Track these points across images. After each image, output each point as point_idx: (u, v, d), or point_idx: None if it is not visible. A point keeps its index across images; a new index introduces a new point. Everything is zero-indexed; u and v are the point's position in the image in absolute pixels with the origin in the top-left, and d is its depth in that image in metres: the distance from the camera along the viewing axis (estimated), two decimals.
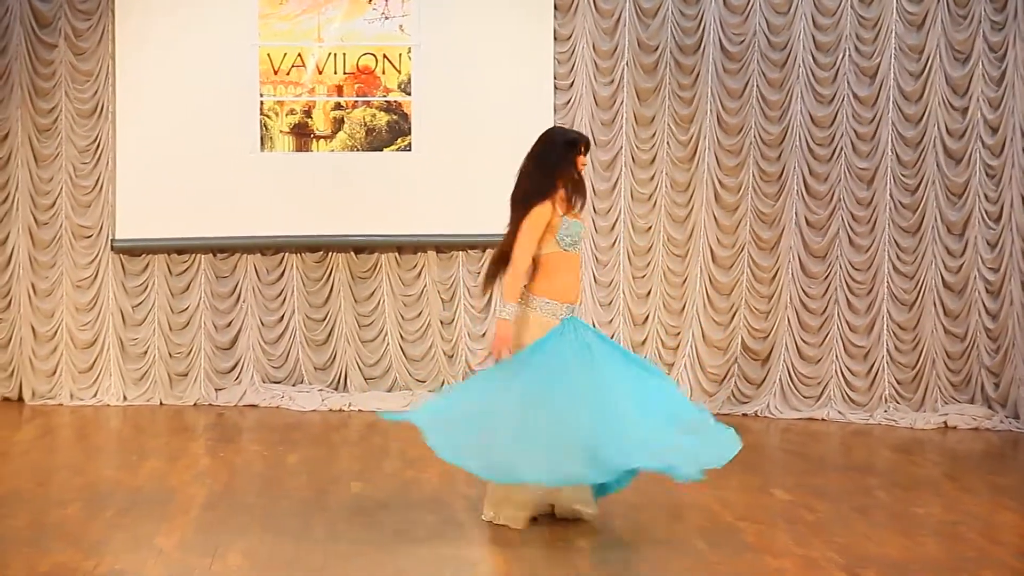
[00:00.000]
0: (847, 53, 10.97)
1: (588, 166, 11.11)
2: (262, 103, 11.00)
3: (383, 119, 11.10)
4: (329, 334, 11.26)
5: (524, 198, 7.03)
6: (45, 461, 9.03)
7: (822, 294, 11.09)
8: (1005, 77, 10.85)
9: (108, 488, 7.97)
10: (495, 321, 7.02)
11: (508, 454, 6.72)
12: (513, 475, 6.78)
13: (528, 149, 7.16)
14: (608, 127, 11.16)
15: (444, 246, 11.22)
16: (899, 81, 10.97)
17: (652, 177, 11.18)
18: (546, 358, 6.91)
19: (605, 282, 11.23)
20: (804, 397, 11.05)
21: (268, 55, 10.99)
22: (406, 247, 11.23)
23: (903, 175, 11.00)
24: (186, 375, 11.12)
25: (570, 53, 11.14)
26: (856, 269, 11.04)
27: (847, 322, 11.06)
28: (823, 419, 10.90)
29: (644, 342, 11.21)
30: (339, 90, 11.07)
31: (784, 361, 11.08)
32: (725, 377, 11.15)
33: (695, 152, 11.13)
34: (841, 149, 11.02)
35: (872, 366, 11.04)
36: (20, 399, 11.02)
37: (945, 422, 10.76)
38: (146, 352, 11.09)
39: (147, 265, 11.11)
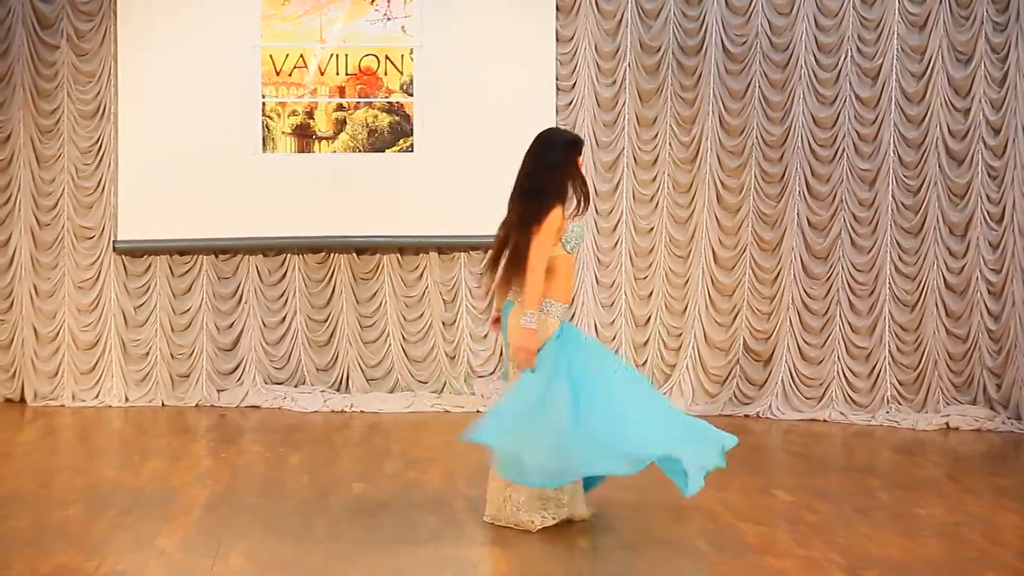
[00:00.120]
0: (849, 54, 10.97)
1: (590, 167, 11.16)
2: (264, 104, 11.01)
3: (385, 120, 11.11)
4: (331, 335, 11.26)
5: (537, 201, 7.02)
6: (47, 462, 9.03)
7: (824, 295, 11.09)
8: (1007, 78, 10.85)
9: (110, 489, 7.98)
10: (520, 330, 6.95)
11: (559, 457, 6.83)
12: (562, 476, 6.94)
13: (527, 150, 7.18)
14: (610, 128, 11.16)
15: (446, 247, 11.22)
16: (901, 82, 10.96)
17: (654, 178, 11.18)
18: (563, 361, 7.02)
19: (607, 283, 11.22)
20: (806, 398, 11.05)
21: (270, 56, 11.00)
22: (408, 248, 11.24)
23: (905, 176, 11.00)
24: (188, 376, 11.12)
25: (572, 54, 11.14)
26: (858, 270, 11.04)
27: (849, 323, 11.05)
28: (825, 420, 10.90)
29: (646, 343, 11.20)
30: (341, 91, 11.07)
31: (786, 362, 11.08)
32: (727, 378, 11.14)
33: (697, 153, 11.13)
34: (843, 150, 11.01)
35: (874, 367, 11.03)
36: (22, 400, 11.02)
37: (947, 423, 10.76)
38: (148, 353, 11.10)
39: (149, 266, 11.11)
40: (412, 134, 11.09)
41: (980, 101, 10.89)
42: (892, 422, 10.80)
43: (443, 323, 11.27)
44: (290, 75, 11.02)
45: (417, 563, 6.59)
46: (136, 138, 10.92)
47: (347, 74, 11.06)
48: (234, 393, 11.09)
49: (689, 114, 11.11)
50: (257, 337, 11.19)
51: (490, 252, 7.28)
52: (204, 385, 11.10)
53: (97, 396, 11.03)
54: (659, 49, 11.09)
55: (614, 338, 11.19)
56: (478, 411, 10.22)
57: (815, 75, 11.00)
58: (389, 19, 11.05)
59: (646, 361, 11.18)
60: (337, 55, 11.05)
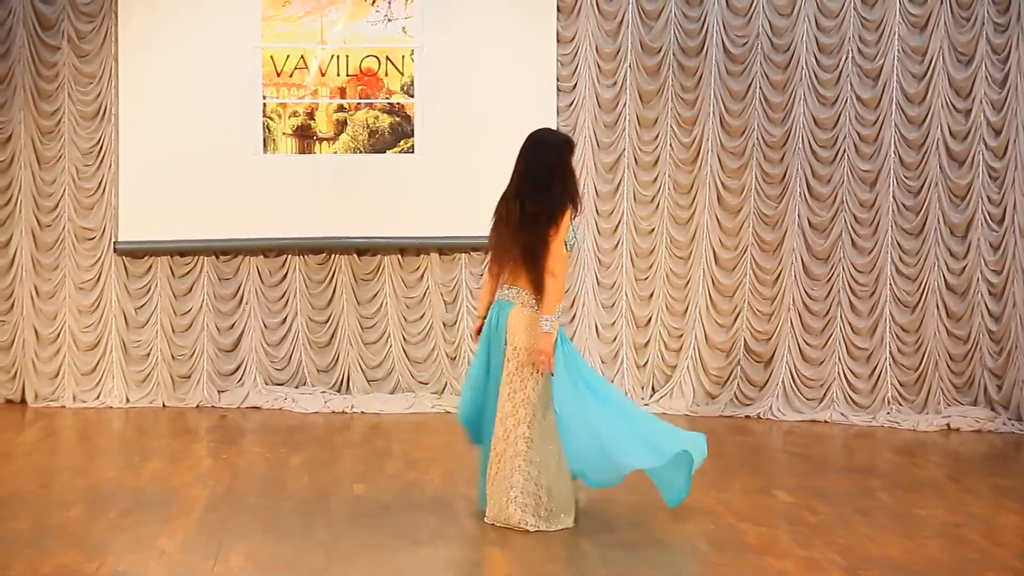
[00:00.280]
0: (850, 55, 10.97)
1: (591, 168, 11.16)
2: (265, 105, 11.01)
3: (386, 121, 11.11)
4: (332, 336, 11.26)
5: (547, 202, 7.06)
6: (48, 463, 9.03)
7: (825, 296, 11.09)
8: (1008, 79, 10.85)
9: (110, 490, 7.98)
10: (540, 335, 7.03)
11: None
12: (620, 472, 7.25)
13: (523, 150, 7.24)
14: (611, 129, 11.17)
15: (447, 248, 11.22)
16: (902, 83, 10.96)
17: (655, 179, 11.18)
18: (577, 362, 7.32)
19: (608, 284, 11.22)
20: (807, 399, 11.04)
21: (271, 57, 11.00)
22: (409, 249, 11.24)
23: (906, 177, 11.00)
24: (189, 377, 11.12)
25: (573, 55, 11.14)
26: (859, 271, 11.04)
27: (850, 324, 11.05)
28: (826, 421, 10.89)
29: (647, 344, 11.20)
30: (342, 92, 11.07)
31: (787, 363, 11.08)
32: (728, 379, 11.14)
33: (698, 154, 11.13)
34: (844, 151, 11.01)
35: (875, 368, 11.03)
36: (23, 401, 11.01)
37: (948, 424, 10.76)
38: (149, 354, 11.09)
39: (150, 267, 11.11)
40: (413, 135, 11.09)
41: (981, 102, 10.89)
42: (893, 423, 10.80)
43: (444, 324, 11.27)
44: (291, 76, 11.03)
45: (417, 564, 6.59)
46: (137, 139, 10.92)
47: (348, 75, 11.06)
48: (235, 394, 11.09)
49: (690, 115, 11.12)
50: (258, 338, 11.19)
51: (492, 253, 7.27)
52: (205, 386, 11.10)
53: (98, 397, 11.03)
54: (660, 50, 11.09)
55: (615, 339, 11.20)
56: None
57: (816, 76, 11.01)
58: (390, 20, 11.05)
59: (647, 362, 11.18)
60: (338, 56, 11.05)
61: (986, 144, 10.90)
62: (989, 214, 10.92)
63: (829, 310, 11.09)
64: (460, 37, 11.05)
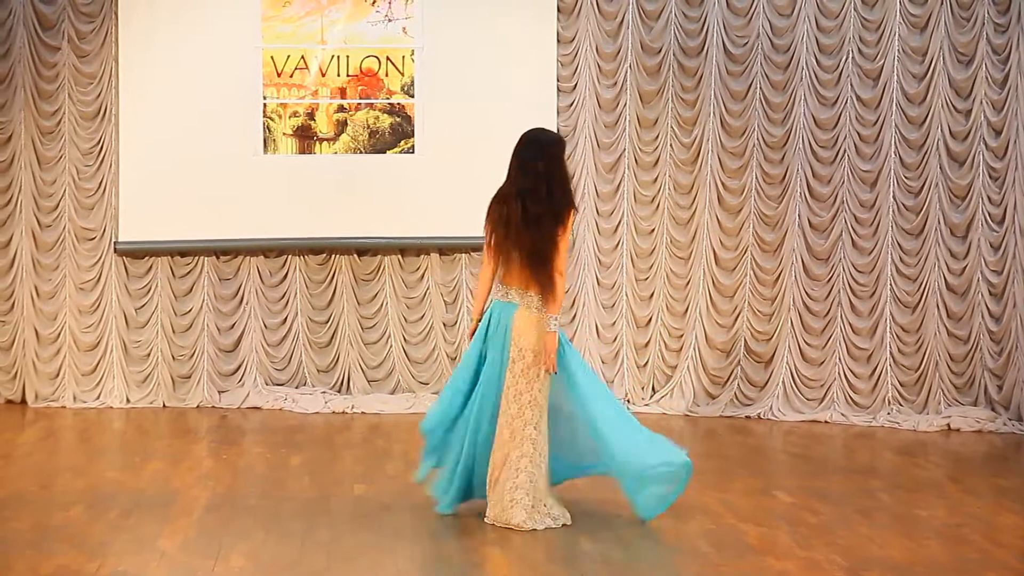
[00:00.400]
0: (850, 55, 10.97)
1: (591, 168, 11.16)
2: (265, 105, 11.01)
3: (386, 121, 11.11)
4: (332, 336, 11.26)
5: (549, 203, 7.09)
6: (48, 463, 9.03)
7: (825, 296, 11.09)
8: (1008, 79, 10.85)
9: (111, 490, 7.98)
10: (545, 335, 7.10)
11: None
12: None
13: (518, 150, 7.27)
14: (611, 129, 11.17)
15: (447, 248, 11.22)
16: (902, 83, 10.97)
17: (655, 179, 11.18)
18: (576, 365, 7.38)
19: (608, 284, 11.22)
20: (807, 399, 11.05)
21: (271, 57, 11.00)
22: (409, 249, 11.24)
23: (906, 177, 11.00)
24: (189, 377, 11.12)
25: (573, 55, 11.14)
26: (859, 271, 11.04)
27: (850, 324, 11.05)
28: (826, 421, 10.90)
29: (647, 344, 11.20)
30: (342, 92, 11.07)
31: (787, 363, 11.08)
32: (728, 379, 11.14)
33: (698, 154, 11.13)
34: (844, 151, 11.02)
35: (875, 368, 11.03)
36: (23, 401, 11.01)
37: (948, 424, 10.76)
38: (149, 354, 11.09)
39: (150, 267, 11.11)
40: (413, 135, 11.09)
41: (981, 102, 10.89)
42: (893, 423, 10.80)
43: (444, 324, 11.27)
44: (291, 76, 11.02)
45: (418, 564, 6.59)
46: (137, 139, 10.92)
47: (348, 75, 11.06)
48: (235, 394, 11.09)
49: (690, 115, 11.11)
50: (258, 338, 11.19)
51: (493, 254, 7.27)
52: (205, 386, 11.10)
53: (98, 397, 11.02)
54: (660, 50, 11.09)
55: (615, 339, 11.20)
56: None
57: (816, 76, 11.01)
58: (390, 20, 11.05)
59: (647, 362, 11.18)
60: (338, 56, 11.05)
61: (986, 144, 10.90)
62: (989, 214, 10.92)
63: (829, 310, 11.09)
64: (460, 37, 11.05)
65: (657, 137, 11.15)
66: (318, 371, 11.24)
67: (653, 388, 11.19)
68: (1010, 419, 10.75)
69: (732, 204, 11.13)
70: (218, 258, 11.16)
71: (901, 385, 11.00)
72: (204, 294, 11.14)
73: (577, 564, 6.63)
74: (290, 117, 11.04)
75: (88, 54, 10.92)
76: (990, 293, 10.94)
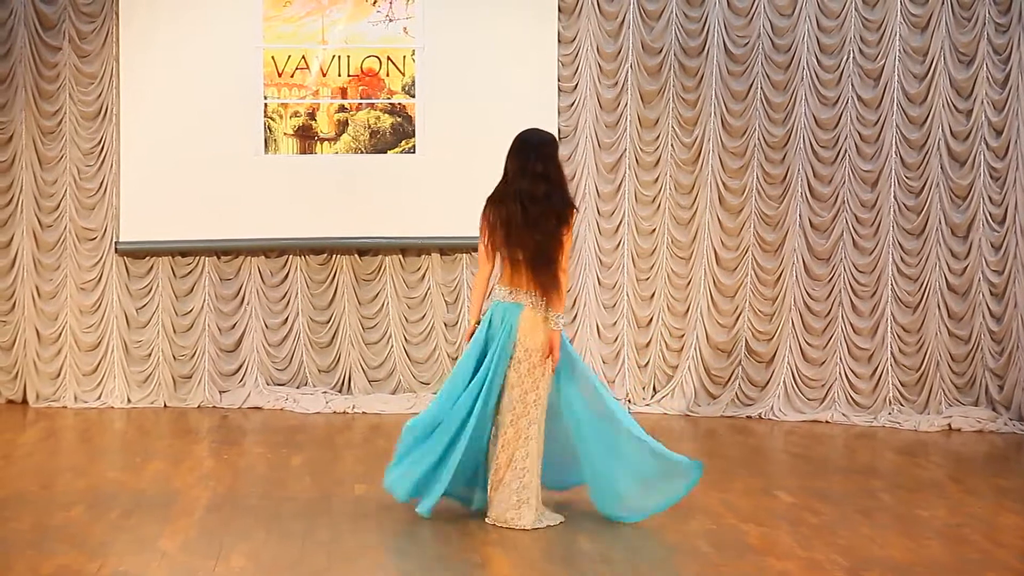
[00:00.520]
0: (851, 55, 10.97)
1: (592, 168, 11.17)
2: (266, 105, 11.01)
3: (387, 121, 11.11)
4: (333, 336, 11.26)
5: (549, 205, 7.12)
6: (49, 463, 9.03)
7: (826, 296, 11.09)
8: (1009, 79, 10.85)
9: (112, 490, 7.98)
10: (550, 332, 7.13)
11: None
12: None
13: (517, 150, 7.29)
14: (612, 129, 11.16)
15: (448, 248, 11.23)
16: (903, 83, 10.96)
17: (656, 179, 11.18)
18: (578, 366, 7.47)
19: (609, 284, 11.22)
20: (808, 399, 11.04)
21: (272, 57, 11.00)
22: (410, 249, 11.24)
23: (907, 177, 11.00)
24: (190, 377, 11.12)
25: (574, 55, 11.14)
26: (860, 271, 11.04)
27: (851, 324, 11.05)
28: (827, 421, 10.90)
29: (648, 344, 11.20)
30: (343, 92, 11.07)
31: (788, 363, 11.08)
32: (729, 379, 11.14)
33: (699, 154, 11.13)
34: (845, 151, 11.01)
35: (876, 368, 11.03)
36: (24, 401, 11.01)
37: (949, 424, 10.76)
38: (150, 354, 11.09)
39: (151, 267, 11.11)
40: (414, 135, 11.09)
41: (982, 102, 10.89)
42: (894, 423, 10.80)
43: (445, 324, 11.27)
44: (292, 76, 11.03)
45: (419, 564, 6.59)
46: (138, 139, 10.92)
47: (349, 75, 11.06)
48: (236, 394, 11.09)
49: (691, 115, 11.11)
50: (259, 338, 11.19)
51: (494, 254, 7.28)
52: (206, 386, 11.10)
53: (99, 397, 11.03)
54: (661, 50, 11.09)
55: (616, 339, 11.20)
56: None
57: (817, 76, 11.01)
58: (391, 20, 11.05)
59: (648, 362, 11.18)
60: (339, 56, 11.05)
61: (987, 144, 10.90)
62: (990, 214, 10.92)
63: (830, 310, 11.09)
64: (461, 37, 11.05)
65: (658, 137, 11.15)
66: (319, 371, 11.24)
67: (654, 388, 11.19)
68: (1011, 419, 10.75)
69: (733, 204, 11.13)
70: (219, 258, 11.16)
71: (902, 385, 11.00)
72: (205, 294, 11.14)
73: (577, 564, 6.63)
74: (291, 117, 11.05)
75: (89, 54, 10.92)
76: (991, 293, 10.94)
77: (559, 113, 11.09)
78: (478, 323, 7.35)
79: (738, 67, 11.05)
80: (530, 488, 7.16)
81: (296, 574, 6.33)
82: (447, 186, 10.99)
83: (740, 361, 11.13)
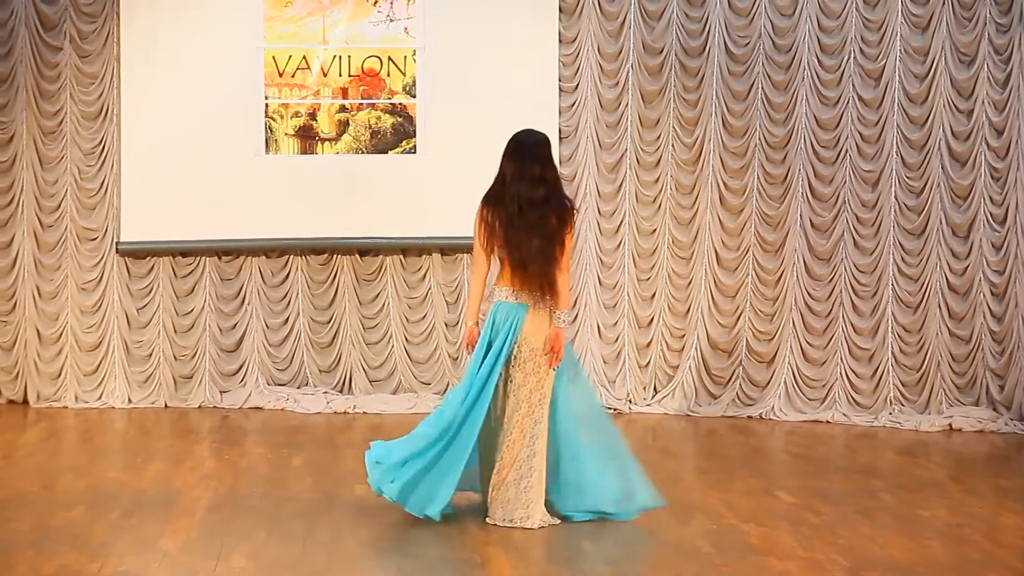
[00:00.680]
0: (852, 55, 10.97)
1: (593, 168, 11.17)
2: (267, 105, 11.01)
3: (388, 122, 11.11)
4: (334, 336, 11.26)
5: (546, 206, 7.14)
6: (50, 464, 9.03)
7: (827, 296, 11.09)
8: (1010, 80, 10.85)
9: (113, 490, 7.98)
10: (555, 329, 7.17)
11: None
12: None
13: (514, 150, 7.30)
14: (613, 129, 11.16)
15: (449, 248, 11.22)
16: (904, 84, 10.96)
17: (657, 179, 11.18)
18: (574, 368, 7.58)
19: (610, 284, 11.22)
20: (809, 399, 11.04)
21: (273, 57, 11.00)
22: (411, 249, 11.24)
23: (908, 177, 10.99)
24: (191, 377, 11.12)
25: (575, 55, 11.14)
26: (861, 271, 11.04)
27: (852, 324, 11.05)
28: (828, 421, 10.90)
29: (649, 344, 11.20)
30: (344, 92, 11.07)
31: (789, 363, 11.08)
32: (730, 379, 11.14)
33: (700, 154, 11.13)
34: (846, 151, 11.01)
35: (877, 368, 11.03)
36: (25, 402, 11.02)
37: (950, 424, 10.76)
38: (151, 355, 11.10)
39: (152, 267, 11.11)
40: (415, 135, 11.10)
41: (983, 102, 10.89)
42: (895, 423, 10.80)
43: (446, 324, 11.28)
44: (293, 76, 11.03)
45: (420, 564, 6.59)
46: (139, 140, 10.92)
47: (350, 75, 11.06)
48: (237, 394, 11.09)
49: (692, 115, 11.11)
50: (260, 338, 11.19)
51: (489, 254, 7.29)
52: (207, 386, 11.10)
53: (100, 398, 11.03)
54: (662, 50, 11.09)
55: (617, 339, 11.20)
56: None
57: (818, 76, 11.00)
58: (392, 20, 11.05)
59: (649, 362, 11.18)
60: (340, 56, 11.05)
61: (988, 144, 10.90)
62: (991, 214, 10.92)
63: (831, 310, 11.09)
64: (462, 37, 11.05)
65: (659, 137, 11.15)
66: (320, 371, 11.24)
67: (655, 388, 11.19)
68: (1012, 419, 10.75)
69: (734, 204, 11.13)
70: (220, 258, 11.17)
71: (903, 385, 11.00)
72: (206, 294, 11.15)
73: (578, 564, 6.63)
74: (292, 117, 11.05)
75: (90, 54, 10.92)
76: (992, 293, 10.94)
77: (560, 113, 11.09)
78: (476, 324, 7.36)
79: (739, 67, 11.05)
80: (537, 488, 7.16)
81: (297, 574, 6.33)
82: (448, 186, 10.98)
83: (741, 361, 11.13)
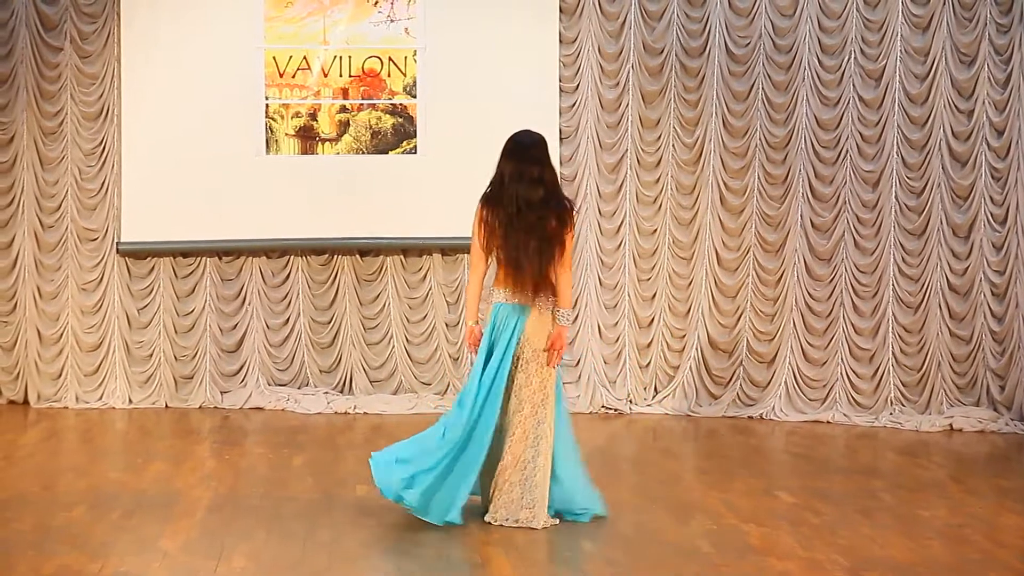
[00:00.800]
0: (852, 56, 10.97)
1: (593, 168, 11.17)
2: (267, 106, 11.01)
3: (388, 122, 11.11)
4: (334, 337, 11.26)
5: (545, 207, 7.17)
6: (50, 464, 9.04)
7: (827, 297, 11.09)
8: (1011, 80, 10.85)
9: (113, 491, 7.99)
10: (558, 327, 7.22)
11: None
12: None
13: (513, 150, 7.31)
14: (613, 130, 11.17)
15: (449, 249, 11.22)
16: (904, 84, 10.96)
17: (657, 180, 11.18)
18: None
19: (611, 285, 11.22)
20: (809, 400, 11.04)
21: (273, 58, 11.00)
22: (411, 250, 11.24)
23: (908, 178, 11.00)
24: (191, 378, 11.12)
25: (575, 56, 11.14)
26: (861, 272, 11.04)
27: (852, 325, 11.05)
28: (828, 422, 10.90)
29: (649, 345, 11.20)
30: (344, 93, 11.07)
31: (789, 364, 11.08)
32: (730, 380, 11.14)
33: (700, 155, 11.13)
34: (846, 152, 11.01)
35: (877, 369, 11.03)
36: (26, 402, 11.02)
37: (950, 425, 10.76)
38: (151, 355, 11.10)
39: (152, 268, 11.11)
40: (415, 136, 11.10)
41: (983, 103, 10.89)
42: (895, 424, 10.80)
43: (446, 324, 11.27)
44: (293, 77, 11.03)
45: (420, 564, 6.59)
46: (139, 140, 10.93)
47: (350, 76, 11.06)
48: (237, 395, 11.09)
49: (692, 116, 11.12)
50: (260, 339, 11.19)
51: (489, 255, 7.30)
52: (207, 387, 11.10)
53: (101, 398, 11.03)
54: (662, 51, 11.09)
55: (617, 339, 11.20)
56: None
57: (818, 77, 11.01)
58: (392, 21, 11.05)
59: (649, 362, 11.18)
60: (340, 57, 11.05)
61: (988, 145, 10.90)
62: (991, 215, 10.92)
63: (831, 311, 11.09)
64: (463, 38, 11.05)
65: (659, 137, 11.15)
66: (320, 371, 11.24)
67: (655, 388, 11.19)
68: (1012, 419, 10.75)
69: (734, 204, 11.13)
70: (220, 259, 11.17)
71: (903, 385, 11.00)
72: (206, 294, 11.15)
73: (578, 564, 6.64)
74: (292, 117, 11.05)
75: (90, 55, 10.92)
76: (992, 293, 10.94)
77: (560, 113, 11.09)
78: (476, 323, 7.36)
79: (739, 67, 11.06)
80: (541, 488, 7.16)
81: (297, 574, 6.34)
82: (448, 186, 10.98)
83: (741, 361, 11.13)
